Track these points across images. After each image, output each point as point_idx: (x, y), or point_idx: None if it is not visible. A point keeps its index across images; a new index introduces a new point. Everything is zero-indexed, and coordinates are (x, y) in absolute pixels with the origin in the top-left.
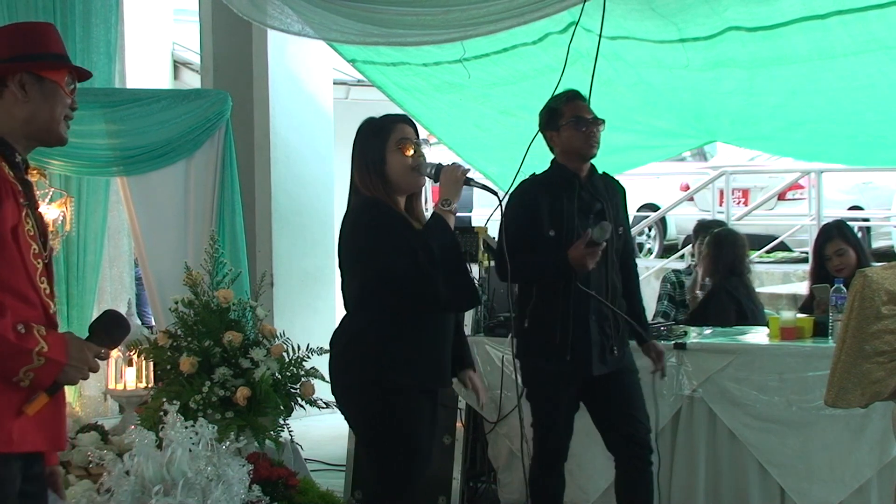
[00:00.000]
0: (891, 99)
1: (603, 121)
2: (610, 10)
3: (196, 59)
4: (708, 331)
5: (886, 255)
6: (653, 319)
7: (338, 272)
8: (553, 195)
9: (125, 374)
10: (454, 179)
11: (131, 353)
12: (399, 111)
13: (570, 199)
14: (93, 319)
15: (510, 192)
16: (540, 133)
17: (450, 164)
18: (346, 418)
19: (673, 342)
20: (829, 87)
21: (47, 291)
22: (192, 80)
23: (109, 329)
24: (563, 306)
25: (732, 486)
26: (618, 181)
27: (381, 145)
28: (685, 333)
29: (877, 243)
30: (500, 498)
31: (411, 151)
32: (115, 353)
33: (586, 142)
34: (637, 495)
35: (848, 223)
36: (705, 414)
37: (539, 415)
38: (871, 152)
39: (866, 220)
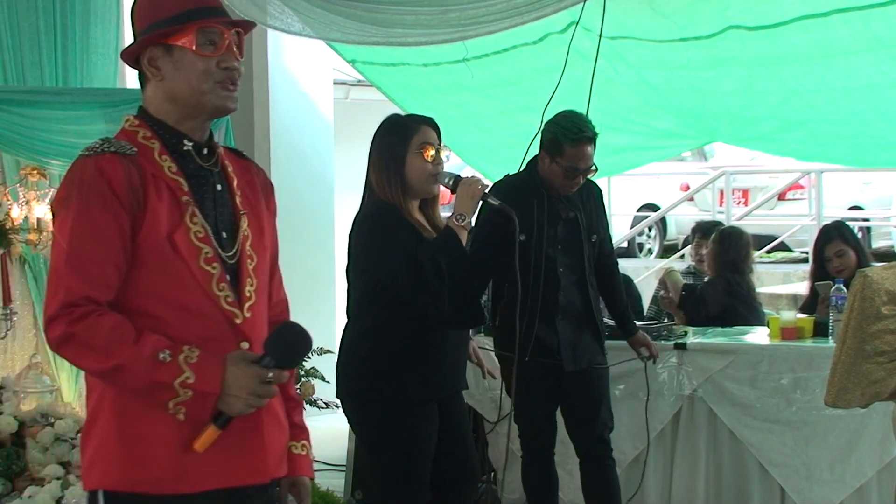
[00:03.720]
0: (891, 99)
1: (596, 170)
2: (610, 10)
3: None
4: (708, 331)
5: (886, 255)
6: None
7: (338, 272)
8: (523, 200)
9: None
10: (471, 194)
11: None
12: (401, 111)
13: (541, 205)
14: (269, 334)
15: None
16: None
17: (469, 177)
18: (349, 424)
19: (673, 342)
20: (830, 86)
21: (230, 299)
22: None
23: (282, 347)
24: (530, 307)
25: (733, 486)
26: (593, 183)
27: (402, 146)
28: (685, 333)
29: (877, 243)
30: (501, 498)
31: (432, 155)
32: None
33: (567, 187)
34: (598, 492)
35: (848, 223)
36: (705, 414)
37: (517, 409)
38: (872, 153)
39: (866, 220)
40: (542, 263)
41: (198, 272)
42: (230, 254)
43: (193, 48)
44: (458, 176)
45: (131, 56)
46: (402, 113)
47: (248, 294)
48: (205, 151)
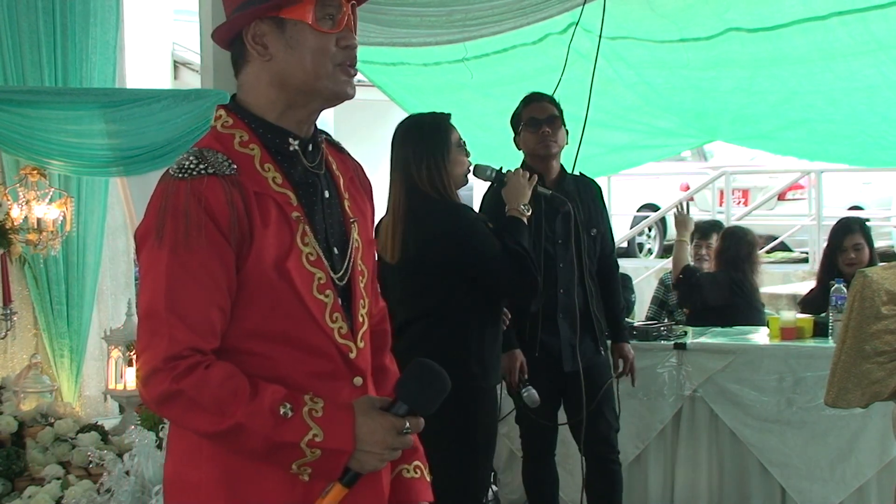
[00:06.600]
0: (891, 99)
1: (558, 117)
2: (610, 11)
3: (196, 59)
4: (708, 331)
5: (886, 255)
6: (643, 322)
7: None
8: None
9: (125, 374)
10: (524, 185)
11: (132, 353)
12: (402, 111)
13: (537, 201)
14: (400, 376)
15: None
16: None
17: (513, 170)
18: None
19: (673, 342)
20: (829, 87)
21: (343, 331)
22: (192, 80)
23: (417, 391)
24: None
25: (734, 486)
26: (592, 180)
27: (445, 143)
28: (685, 334)
29: (877, 243)
30: (501, 498)
31: (463, 153)
32: (115, 352)
33: (541, 142)
34: (600, 493)
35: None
36: (706, 414)
37: (518, 410)
38: (871, 153)
39: (866, 220)
40: (540, 260)
41: (311, 303)
42: (340, 274)
43: (311, 22)
44: (499, 170)
45: (230, 32)
46: (419, 113)
47: (360, 320)
48: (310, 148)
